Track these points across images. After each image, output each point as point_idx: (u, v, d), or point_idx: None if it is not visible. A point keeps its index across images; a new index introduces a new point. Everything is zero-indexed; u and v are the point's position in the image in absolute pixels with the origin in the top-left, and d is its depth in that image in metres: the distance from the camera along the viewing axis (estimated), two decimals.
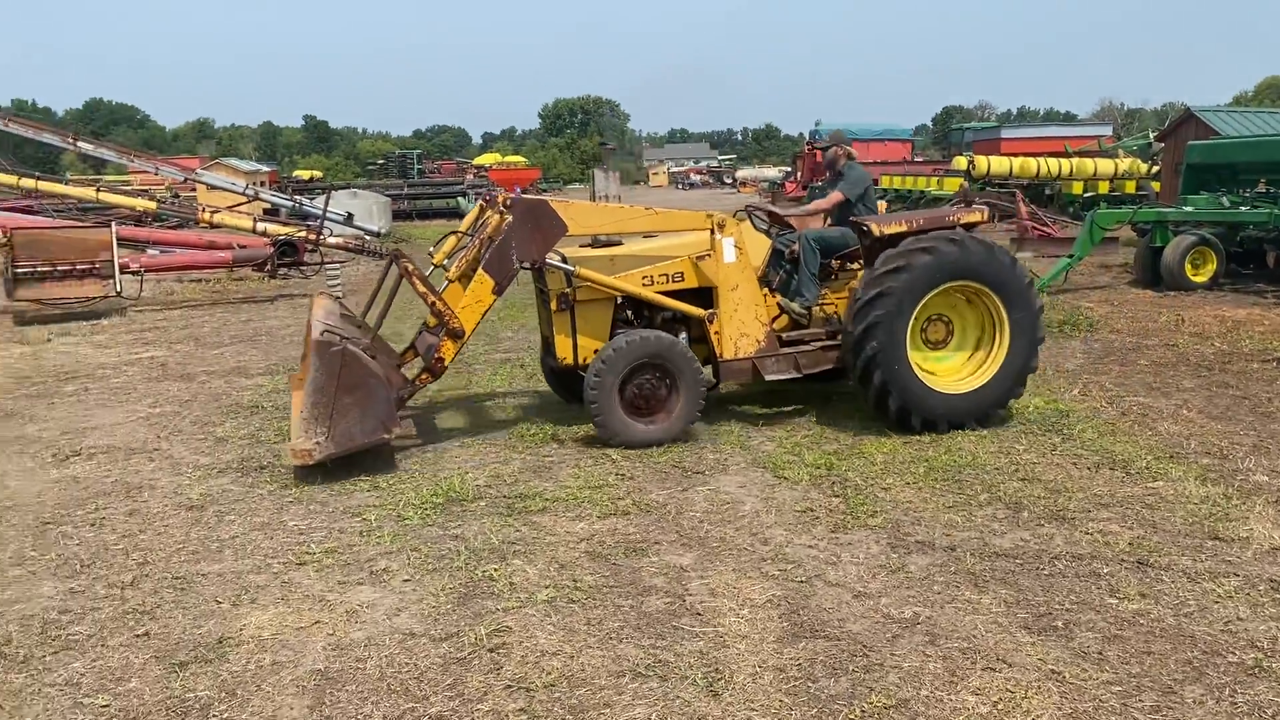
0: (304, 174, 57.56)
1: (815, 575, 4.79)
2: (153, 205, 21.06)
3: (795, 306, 7.62)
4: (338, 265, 16.39)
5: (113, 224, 15.74)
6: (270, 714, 3.68)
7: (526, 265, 7.07)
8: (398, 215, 33.02)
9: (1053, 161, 28.11)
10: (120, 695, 3.83)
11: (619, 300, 7.36)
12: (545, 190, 65.66)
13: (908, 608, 4.42)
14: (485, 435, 7.37)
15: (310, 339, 6.57)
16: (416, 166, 49.26)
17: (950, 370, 7.39)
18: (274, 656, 4.10)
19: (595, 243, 7.50)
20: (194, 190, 30.62)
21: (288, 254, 17.33)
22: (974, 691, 3.72)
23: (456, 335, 6.95)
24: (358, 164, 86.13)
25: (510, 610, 4.47)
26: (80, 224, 17.76)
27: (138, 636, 4.31)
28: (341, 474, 6.51)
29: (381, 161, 54.48)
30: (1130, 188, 27.56)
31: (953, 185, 26.78)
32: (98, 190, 21.78)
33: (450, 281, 7.22)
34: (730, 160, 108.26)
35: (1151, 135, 33.11)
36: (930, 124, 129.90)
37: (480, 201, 7.39)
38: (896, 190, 28.70)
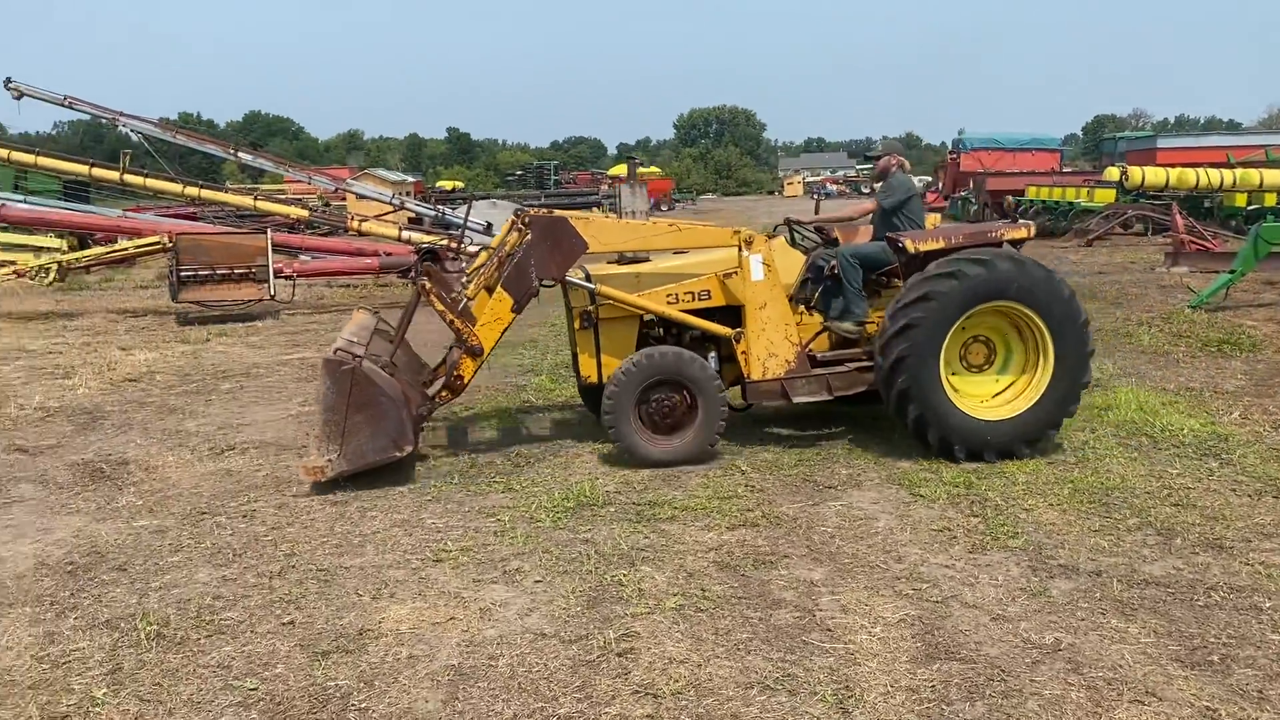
0: (447, 184, 59.33)
1: (951, 596, 4.65)
2: (305, 213, 22.04)
3: (847, 325, 7.36)
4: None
5: (268, 231, 16.58)
6: (405, 706, 3.78)
7: (547, 283, 7.04)
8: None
9: (1213, 172, 26.58)
10: (266, 680, 4.00)
11: (647, 318, 7.28)
12: (679, 201, 66.01)
13: (1049, 633, 4.25)
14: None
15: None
16: (553, 177, 50.26)
17: (993, 394, 7.02)
18: (410, 650, 4.23)
19: (622, 259, 7.43)
20: (344, 199, 31.91)
21: (431, 261, 17.87)
22: None
23: (475, 353, 6.94)
24: (497, 175, 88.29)
25: (638, 616, 4.49)
26: (238, 231, 18.77)
27: (284, 624, 4.51)
28: (477, 473, 6.68)
29: (520, 173, 55.78)
30: None
31: (1104, 196, 25.67)
32: (255, 199, 22.94)
33: (469, 300, 7.19)
34: (868, 169, 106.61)
35: None
36: (1080, 133, 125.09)
37: (512, 218, 7.32)
38: (1043, 202, 27.67)
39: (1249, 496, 5.94)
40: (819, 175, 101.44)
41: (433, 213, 25.61)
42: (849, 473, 6.56)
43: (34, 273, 15.30)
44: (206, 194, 22.11)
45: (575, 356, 7.42)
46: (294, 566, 5.19)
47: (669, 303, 7.15)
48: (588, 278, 7.14)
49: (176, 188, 21.20)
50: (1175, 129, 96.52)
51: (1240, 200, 26.06)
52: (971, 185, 33.83)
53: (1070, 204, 26.62)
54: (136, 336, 13.65)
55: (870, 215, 7.88)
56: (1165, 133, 58.37)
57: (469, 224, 22.18)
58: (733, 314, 7.21)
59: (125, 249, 16.33)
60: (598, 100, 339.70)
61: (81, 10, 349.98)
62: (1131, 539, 5.30)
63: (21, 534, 5.81)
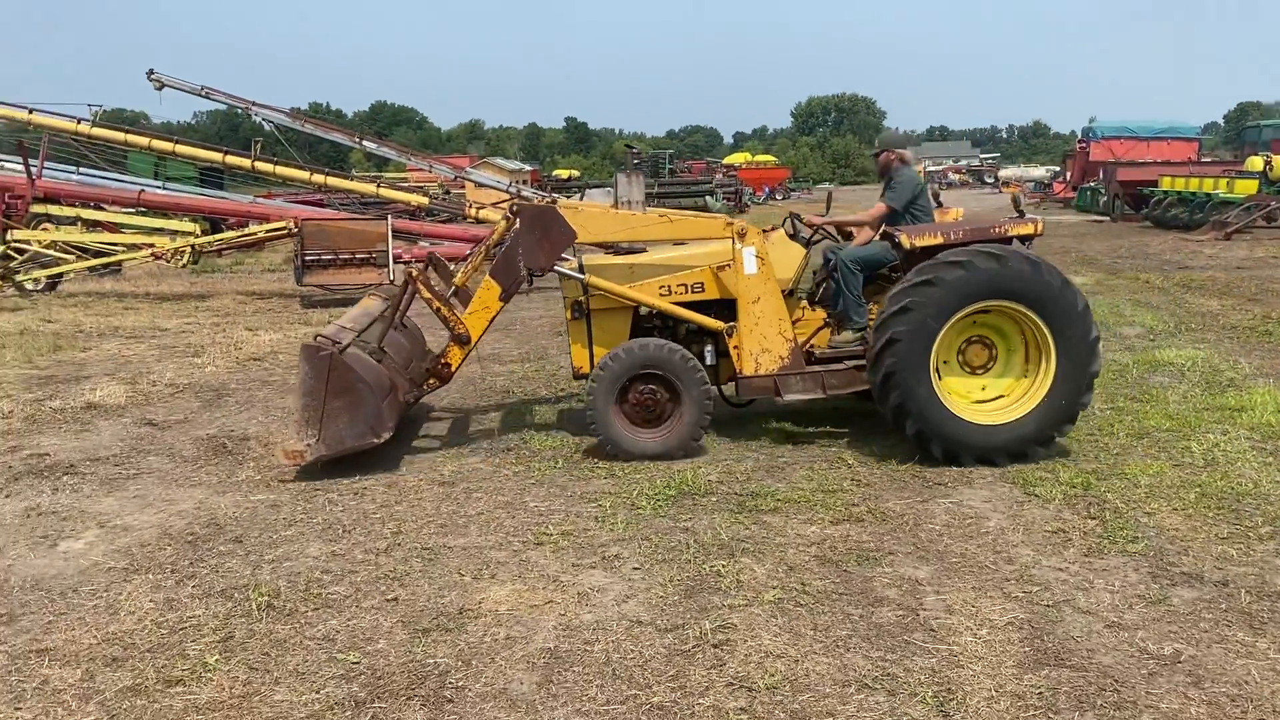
0: (563, 173, 59.97)
1: (1064, 600, 4.46)
2: (425, 201, 22.52)
3: (845, 336, 7.17)
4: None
5: (389, 218, 17.00)
6: (500, 687, 3.82)
7: (536, 272, 6.97)
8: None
9: None
10: (369, 654, 4.09)
11: (642, 310, 7.17)
12: (794, 190, 65.21)
13: (1168, 644, 4.03)
14: (720, 432, 7.37)
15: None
16: (668, 166, 50.17)
17: (988, 398, 6.67)
18: (508, 631, 4.27)
19: (617, 250, 7.34)
20: (463, 187, 32.53)
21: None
22: None
23: (463, 341, 7.02)
24: (613, 164, 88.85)
25: (736, 608, 4.43)
26: (361, 217, 19.29)
27: (388, 601, 4.61)
28: (580, 458, 6.71)
29: (636, 162, 55.96)
30: None
31: (1245, 188, 24.30)
32: (378, 186, 23.50)
33: (456, 288, 7.27)
34: (993, 159, 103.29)
35: None
36: (1222, 121, 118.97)
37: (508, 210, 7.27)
38: (1179, 193, 26.37)
39: None
40: (940, 165, 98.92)
41: (548, 200, 25.88)
42: (959, 470, 6.35)
43: (170, 255, 16.02)
44: (332, 181, 22.75)
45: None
46: (400, 544, 5.30)
47: (661, 294, 7.07)
48: (581, 268, 7.08)
49: (304, 175, 21.87)
50: None
51: None
52: (1101, 175, 32.50)
53: (1208, 195, 25.28)
54: (262, 318, 14.19)
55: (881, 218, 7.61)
56: None
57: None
58: (728, 307, 7.07)
59: (255, 234, 16.98)
60: (715, 89, 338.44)
61: (218, 2, 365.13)
62: (1263, 548, 4.99)
63: (148, 504, 6.09)
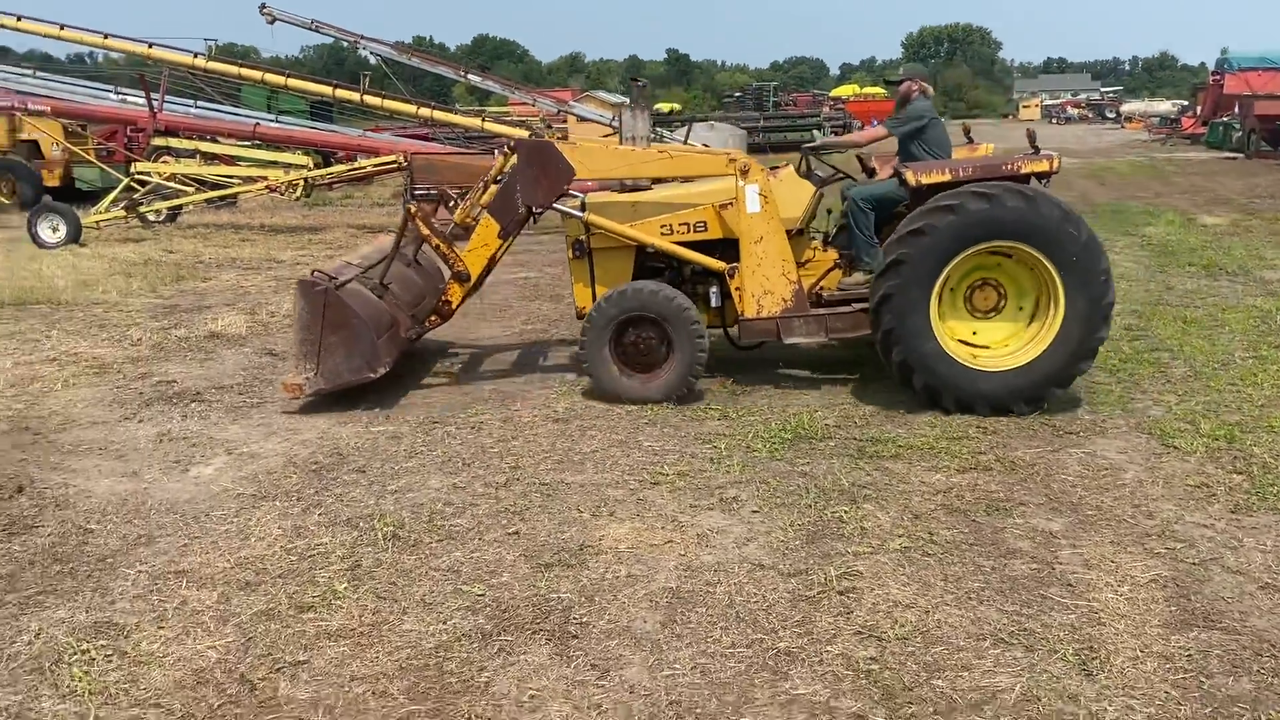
0: (664, 106, 59.25)
1: (1211, 558, 4.23)
2: (528, 134, 22.51)
3: (858, 278, 6.81)
4: None
5: (495, 152, 17.01)
6: (625, 624, 3.80)
7: (536, 209, 6.88)
8: (753, 148, 33.10)
9: None
10: (493, 587, 4.12)
11: (648, 249, 6.94)
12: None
13: None
14: (837, 375, 7.21)
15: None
16: (772, 99, 49.13)
17: (998, 342, 6.34)
18: (629, 569, 4.24)
19: (622, 187, 7.12)
20: (565, 121, 32.44)
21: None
22: None
23: (463, 279, 6.99)
24: (715, 97, 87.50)
25: (860, 555, 4.33)
26: (468, 151, 19.38)
27: (509, 534, 4.63)
28: (693, 400, 6.64)
29: (738, 94, 54.86)
30: None
31: None
32: (483, 120, 23.56)
33: (454, 225, 7.19)
34: (1115, 93, 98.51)
35: None
36: None
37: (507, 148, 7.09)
38: None
39: None
40: (1059, 98, 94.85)
41: (650, 134, 25.61)
42: (1092, 419, 6.09)
43: (283, 188, 16.33)
44: (438, 115, 22.86)
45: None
46: (518, 479, 5.32)
47: (663, 233, 6.88)
48: (584, 206, 6.94)
49: (410, 109, 22.01)
50: None
51: None
52: (1237, 110, 30.70)
53: None
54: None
55: (878, 142, 7.34)
56: None
57: (687, 146, 22.01)
58: (732, 247, 6.82)
59: (364, 167, 17.16)
60: (821, 19, 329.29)
61: None
62: None
63: (272, 432, 6.24)
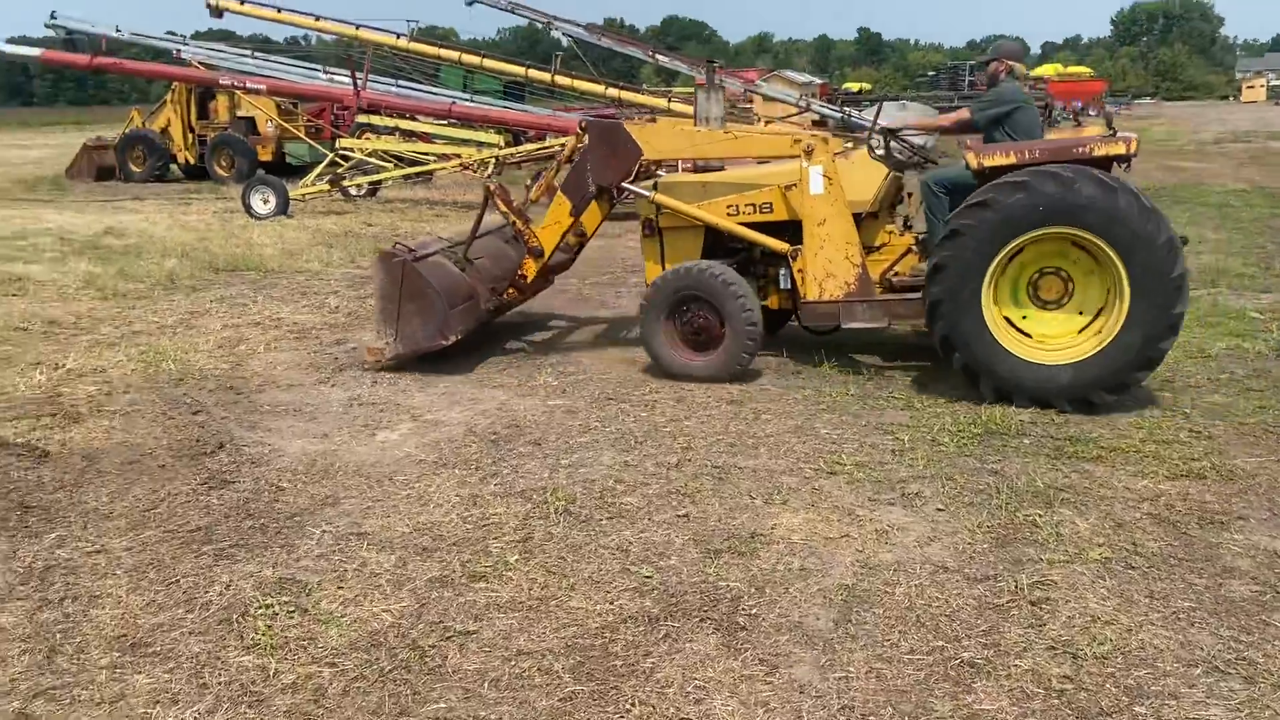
0: (853, 86, 57.91)
1: None
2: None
3: (924, 266, 6.32)
4: None
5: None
6: (796, 620, 3.65)
7: (607, 187, 6.97)
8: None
9: None
10: (661, 570, 4.04)
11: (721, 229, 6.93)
12: (1113, 106, 59.68)
13: None
14: None
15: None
16: (968, 78, 47.17)
17: (1055, 336, 5.95)
18: (802, 562, 4.08)
19: (695, 168, 7.02)
20: (751, 102, 32.10)
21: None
22: None
23: (537, 254, 7.21)
24: (906, 76, 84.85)
25: (1056, 563, 4.02)
26: None
27: (679, 517, 4.54)
28: (874, 388, 6.38)
29: (932, 73, 53.06)
30: None
31: None
32: (669, 100, 23.55)
33: (532, 202, 7.57)
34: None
35: None
36: None
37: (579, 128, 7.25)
38: None
39: None
40: None
41: (838, 115, 24.99)
42: None
43: (476, 165, 16.79)
44: (626, 95, 23.00)
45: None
46: (690, 460, 5.22)
47: (729, 214, 6.89)
48: (656, 185, 7.04)
49: (599, 89, 22.24)
50: None
51: None
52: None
53: None
54: None
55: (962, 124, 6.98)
56: None
57: (876, 127, 21.30)
58: (798, 229, 6.71)
59: (552, 147, 17.46)
60: None
61: None
62: None
63: (455, 401, 6.38)
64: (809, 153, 6.56)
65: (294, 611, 3.75)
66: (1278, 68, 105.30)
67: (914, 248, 6.86)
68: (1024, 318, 6.03)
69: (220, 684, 3.31)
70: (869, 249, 6.80)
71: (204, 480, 5.03)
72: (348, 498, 4.84)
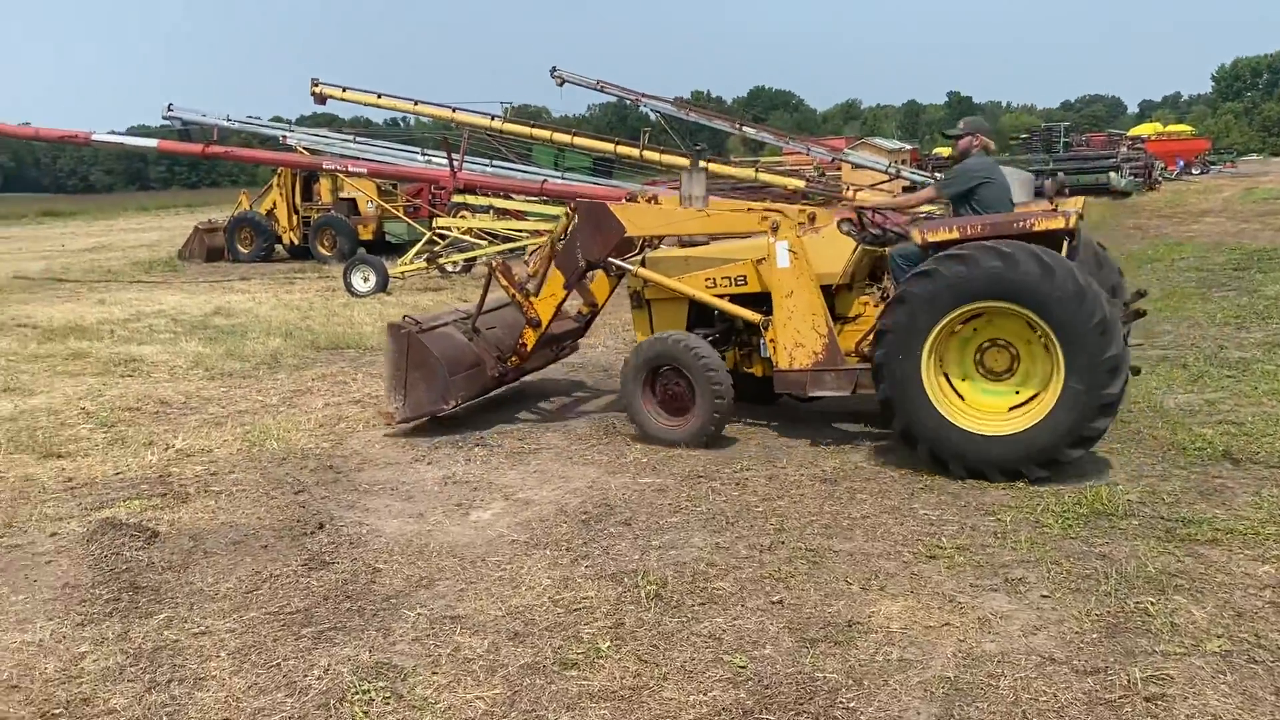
0: (944, 151, 57.40)
1: None
2: (801, 184, 22.42)
3: None
4: None
5: (767, 201, 17.03)
6: (895, 714, 3.54)
7: (594, 263, 7.47)
8: (1040, 192, 31.35)
9: None
10: (755, 659, 3.96)
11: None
12: (1215, 164, 58.16)
13: None
14: (1138, 443, 6.54)
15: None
16: (1062, 140, 46.46)
17: (994, 407, 6.05)
18: (901, 652, 3.96)
19: (680, 242, 7.74)
20: (839, 169, 32.14)
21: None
22: None
23: (534, 324, 7.75)
24: (1000, 139, 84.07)
25: (1171, 656, 3.83)
26: (737, 200, 19.49)
27: (773, 603, 4.46)
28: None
29: (1025, 136, 52.33)
30: None
31: None
32: (756, 170, 23.76)
33: (531, 276, 8.05)
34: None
35: None
36: None
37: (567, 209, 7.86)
38: None
39: None
40: None
41: (929, 180, 24.85)
42: None
43: None
44: (713, 167, 23.24)
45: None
46: (783, 543, 5.15)
47: (708, 286, 7.23)
48: (644, 261, 7.51)
49: (686, 161, 22.53)
50: None
51: None
52: None
53: None
54: None
55: (931, 202, 7.19)
56: None
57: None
58: (770, 300, 7.00)
59: None
60: (1117, 53, 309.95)
61: (612, 5, 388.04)
62: None
63: (546, 479, 6.42)
64: (775, 229, 6.93)
65: (390, 698, 3.77)
66: None
67: None
68: (964, 380, 6.17)
69: None
70: (843, 319, 7.06)
71: (305, 561, 5.14)
72: (442, 579, 4.88)
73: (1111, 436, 6.71)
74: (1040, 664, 3.83)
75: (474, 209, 18.62)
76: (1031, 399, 5.94)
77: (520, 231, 17.62)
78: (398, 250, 20.47)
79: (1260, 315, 10.95)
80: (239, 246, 23.42)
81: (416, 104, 22.78)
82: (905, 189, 23.99)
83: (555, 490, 6.19)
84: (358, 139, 23.31)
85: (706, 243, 7.87)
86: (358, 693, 3.80)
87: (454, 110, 21.35)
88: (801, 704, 3.63)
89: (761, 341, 7.17)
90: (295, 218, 23.63)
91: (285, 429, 7.69)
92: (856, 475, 6.21)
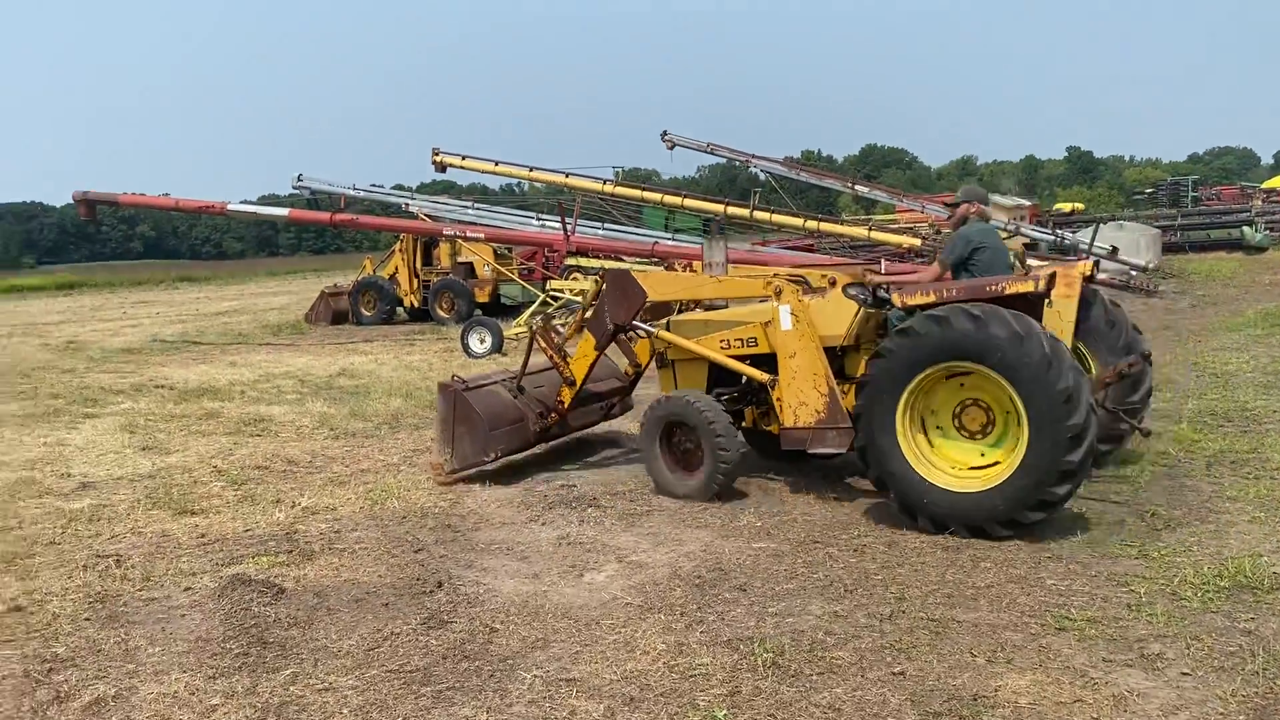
0: (1064, 206, 56.11)
1: None
2: (916, 242, 22.17)
3: None
4: None
5: (881, 261, 16.90)
6: None
7: (621, 326, 7.93)
8: (1168, 248, 30.20)
9: None
10: None
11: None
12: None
13: None
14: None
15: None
16: (1191, 194, 44.94)
17: (962, 463, 6.27)
18: None
19: (703, 306, 8.30)
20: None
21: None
22: None
23: (570, 383, 8.26)
24: (1123, 194, 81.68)
25: None
26: (852, 261, 19.41)
27: (894, 674, 4.34)
28: (1102, 534, 5.98)
29: (1150, 190, 50.83)
30: None
31: None
32: (869, 229, 23.62)
33: (565, 339, 8.68)
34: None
35: None
36: None
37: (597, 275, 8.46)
38: None
39: None
40: None
41: (1050, 237, 24.28)
42: None
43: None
44: (824, 226, 23.27)
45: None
46: (904, 612, 5.01)
47: (722, 348, 7.64)
48: (669, 325, 8.00)
49: (797, 221, 22.60)
50: None
51: None
52: None
53: None
54: None
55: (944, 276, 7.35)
56: None
57: (1094, 248, 20.57)
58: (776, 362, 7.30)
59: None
60: (1247, 103, 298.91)
61: (722, 69, 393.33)
62: None
63: (660, 542, 6.41)
64: (778, 294, 7.26)
65: None
66: None
67: None
68: (941, 434, 6.35)
69: None
70: (850, 380, 7.12)
71: (424, 619, 5.22)
72: (557, 641, 4.90)
73: (1253, 503, 6.39)
74: None
75: (586, 271, 18.97)
76: (994, 464, 6.11)
77: None
78: (512, 312, 20.95)
79: None
80: (363, 310, 24.30)
81: (531, 170, 23.46)
82: (1026, 245, 23.49)
83: (669, 553, 6.17)
84: (475, 205, 24.07)
85: (724, 306, 8.48)
86: None
87: (567, 176, 21.91)
88: None
89: (774, 400, 7.40)
90: (416, 281, 24.43)
91: (405, 488, 7.89)
92: (979, 543, 6.01)
